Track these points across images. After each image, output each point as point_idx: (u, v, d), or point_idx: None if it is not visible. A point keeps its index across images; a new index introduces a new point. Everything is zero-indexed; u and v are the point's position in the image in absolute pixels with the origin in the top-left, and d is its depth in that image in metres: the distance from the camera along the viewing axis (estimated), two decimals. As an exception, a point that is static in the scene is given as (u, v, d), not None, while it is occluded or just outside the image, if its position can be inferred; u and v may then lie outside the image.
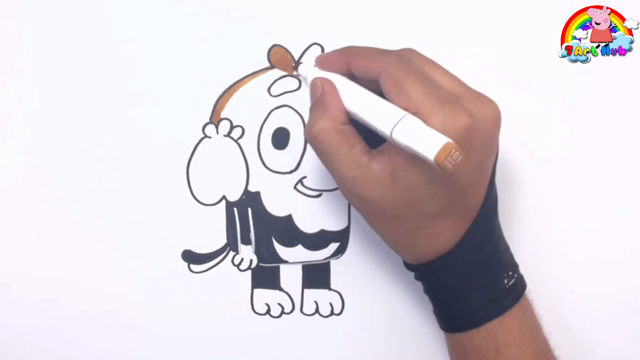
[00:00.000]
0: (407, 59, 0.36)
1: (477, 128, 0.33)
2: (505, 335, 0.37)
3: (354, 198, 0.36)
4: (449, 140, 0.31)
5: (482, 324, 0.37)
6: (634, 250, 0.45)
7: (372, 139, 0.36)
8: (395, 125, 0.33)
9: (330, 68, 0.38)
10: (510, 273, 0.38)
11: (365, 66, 0.36)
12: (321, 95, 0.37)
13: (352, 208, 0.43)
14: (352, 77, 0.38)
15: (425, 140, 0.31)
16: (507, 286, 0.37)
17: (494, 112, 0.35)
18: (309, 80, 0.39)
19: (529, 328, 0.38)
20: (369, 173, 0.35)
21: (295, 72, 0.43)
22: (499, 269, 0.38)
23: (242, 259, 0.44)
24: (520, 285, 0.38)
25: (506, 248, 0.39)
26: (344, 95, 0.37)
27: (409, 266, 0.39)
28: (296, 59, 0.42)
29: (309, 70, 0.40)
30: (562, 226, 0.44)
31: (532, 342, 0.38)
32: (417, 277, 0.39)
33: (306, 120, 0.42)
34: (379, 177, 0.35)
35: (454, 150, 0.31)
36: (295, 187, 0.43)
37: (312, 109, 0.37)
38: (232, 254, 0.44)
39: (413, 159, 0.34)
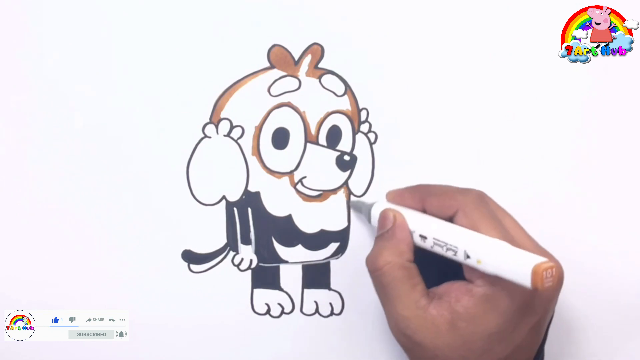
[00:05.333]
0: (484, 201, 0.35)
1: None
2: None
3: (404, 338, 0.35)
4: (540, 260, 0.30)
5: None
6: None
7: (430, 280, 0.36)
8: (482, 253, 0.32)
9: (402, 203, 0.38)
10: None
11: (441, 205, 0.36)
12: (392, 228, 0.37)
13: (351, 212, 0.44)
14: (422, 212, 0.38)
15: (514, 266, 0.30)
16: None
17: (559, 274, 0.33)
18: (374, 211, 0.39)
19: None
20: (425, 317, 0.34)
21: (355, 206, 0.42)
22: None
23: (242, 259, 0.44)
24: None
25: None
26: (417, 228, 0.36)
27: None
28: (296, 59, 0.42)
29: (379, 203, 0.40)
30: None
31: None
32: None
33: (306, 120, 0.43)
34: (435, 322, 0.34)
35: (546, 270, 0.29)
36: (295, 187, 0.43)
37: (381, 239, 0.37)
38: (232, 254, 0.44)
39: (475, 310, 0.33)
